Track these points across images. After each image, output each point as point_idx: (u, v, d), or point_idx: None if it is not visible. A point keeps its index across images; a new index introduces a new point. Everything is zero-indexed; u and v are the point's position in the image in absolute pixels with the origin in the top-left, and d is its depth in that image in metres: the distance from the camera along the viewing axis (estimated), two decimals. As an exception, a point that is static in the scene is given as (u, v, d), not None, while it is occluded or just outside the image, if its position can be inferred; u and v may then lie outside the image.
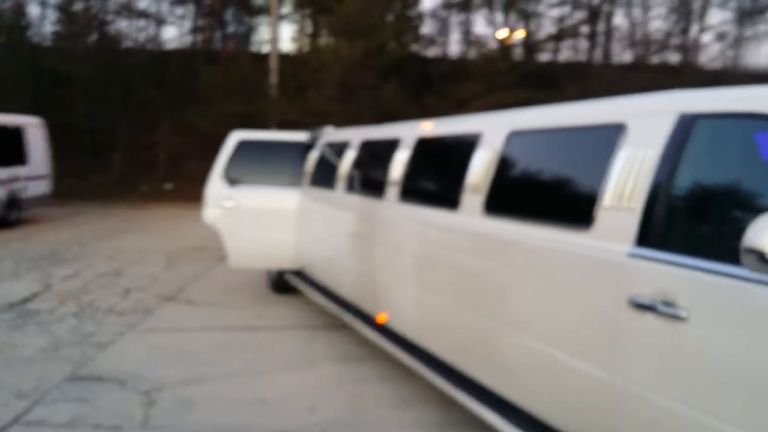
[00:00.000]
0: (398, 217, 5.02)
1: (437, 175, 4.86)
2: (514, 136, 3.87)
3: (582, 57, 33.56)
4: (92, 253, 11.79)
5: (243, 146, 7.78)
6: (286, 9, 30.13)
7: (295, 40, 31.01)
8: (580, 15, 31.45)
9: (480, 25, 44.14)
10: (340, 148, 6.79)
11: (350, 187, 6.13)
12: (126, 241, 13.30)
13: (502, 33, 30.77)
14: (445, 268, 4.34)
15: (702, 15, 31.87)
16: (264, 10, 31.45)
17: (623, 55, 33.95)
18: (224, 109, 23.68)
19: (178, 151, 25.84)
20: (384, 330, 5.18)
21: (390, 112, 23.65)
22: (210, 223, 7.86)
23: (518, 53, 31.31)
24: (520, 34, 31.05)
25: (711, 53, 33.11)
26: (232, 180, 7.75)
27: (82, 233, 14.54)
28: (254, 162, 7.84)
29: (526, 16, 31.84)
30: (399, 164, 5.16)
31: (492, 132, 4.10)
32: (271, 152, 7.87)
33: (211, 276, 9.82)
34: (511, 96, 22.02)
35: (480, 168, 4.00)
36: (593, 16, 30.97)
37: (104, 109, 26.05)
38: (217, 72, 25.10)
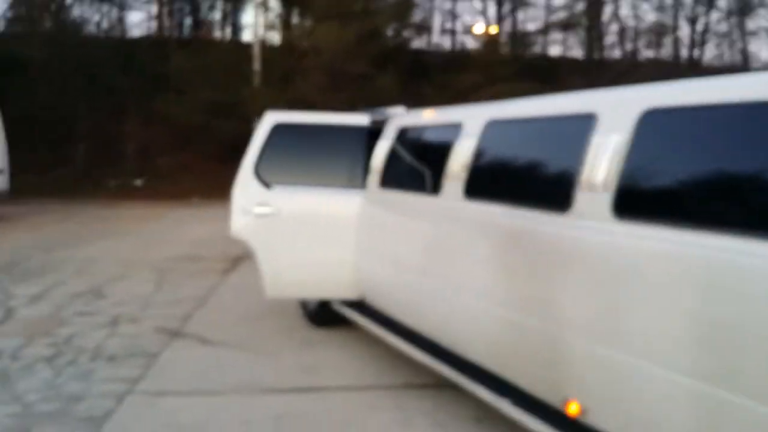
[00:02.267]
0: (625, 246, 2.98)
1: (729, 173, 2.83)
2: None
3: (572, 52, 32.15)
4: (61, 263, 9.62)
5: (280, 133, 5.75)
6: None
7: (269, 26, 28.76)
8: (578, 5, 29.87)
9: (466, 14, 42.07)
10: (435, 136, 4.86)
11: (475, 191, 4.15)
12: (100, 248, 11.12)
13: (479, 28, 29.05)
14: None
15: (708, 10, 30.57)
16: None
17: (614, 51, 32.63)
18: (199, 97, 21.51)
19: (147, 144, 23.52)
20: (580, 428, 3.20)
21: (384, 103, 21.69)
22: (238, 237, 5.83)
23: (508, 45, 29.66)
24: (493, 29, 29.30)
25: (715, 50, 31.97)
26: (267, 179, 5.74)
27: (46, 237, 12.31)
28: (297, 154, 5.85)
29: (520, 4, 30.15)
30: (606, 156, 3.16)
31: None
32: (319, 141, 5.86)
33: (220, 298, 7.75)
34: (513, 88, 20.27)
35: None
36: (595, 6, 29.29)
37: (65, 98, 23.52)
38: (192, 58, 22.85)
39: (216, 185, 22.43)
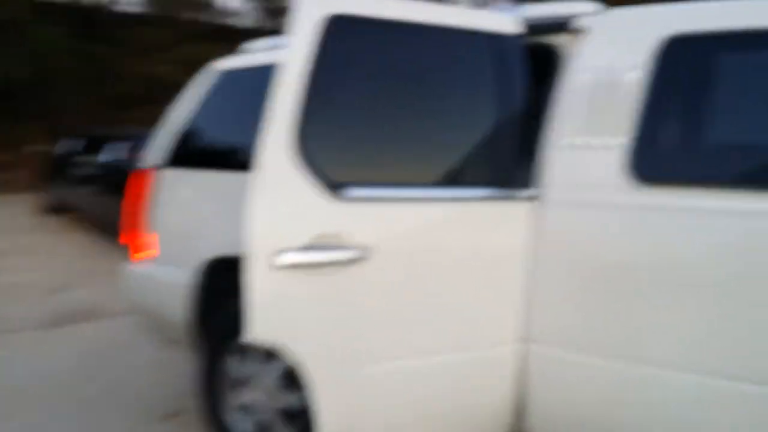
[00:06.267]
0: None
1: None
2: None
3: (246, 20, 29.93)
4: None
5: (347, 46, 2.19)
6: None
7: None
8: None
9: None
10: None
11: None
12: None
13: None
14: None
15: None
16: None
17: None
18: None
19: None
20: None
21: (49, 62, 17.46)
22: (262, 336, 2.14)
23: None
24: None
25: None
26: (330, 170, 2.18)
27: None
28: (386, 102, 2.24)
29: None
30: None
31: None
32: (429, 66, 2.29)
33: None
34: (202, 49, 17.71)
35: None
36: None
37: None
38: None
39: None
